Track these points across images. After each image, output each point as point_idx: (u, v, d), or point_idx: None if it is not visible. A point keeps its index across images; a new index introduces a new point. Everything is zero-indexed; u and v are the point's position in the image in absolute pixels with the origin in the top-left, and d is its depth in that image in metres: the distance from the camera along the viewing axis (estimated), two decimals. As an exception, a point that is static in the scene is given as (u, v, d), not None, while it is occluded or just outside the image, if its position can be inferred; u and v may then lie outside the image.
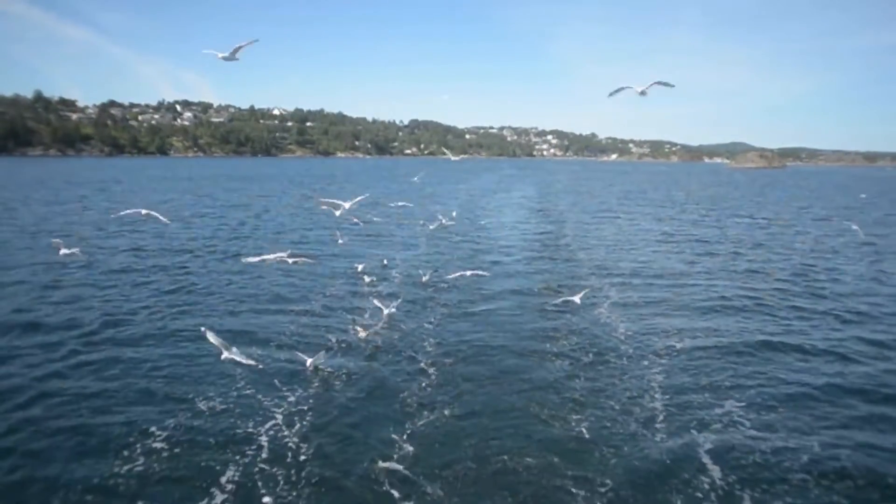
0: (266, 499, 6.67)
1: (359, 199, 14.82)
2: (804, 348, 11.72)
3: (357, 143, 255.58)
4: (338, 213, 14.89)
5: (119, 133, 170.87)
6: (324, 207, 16.08)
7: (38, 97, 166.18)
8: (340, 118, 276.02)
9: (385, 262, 19.15)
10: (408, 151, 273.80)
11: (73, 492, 6.67)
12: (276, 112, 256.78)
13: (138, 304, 13.91)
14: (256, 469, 7.19)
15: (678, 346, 11.73)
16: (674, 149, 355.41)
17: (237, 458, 7.41)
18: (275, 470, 7.18)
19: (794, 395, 9.51)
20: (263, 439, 7.85)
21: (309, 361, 9.94)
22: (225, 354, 7.47)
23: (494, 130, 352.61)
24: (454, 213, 31.44)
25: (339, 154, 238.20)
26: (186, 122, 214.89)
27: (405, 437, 8.02)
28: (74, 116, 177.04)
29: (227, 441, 7.78)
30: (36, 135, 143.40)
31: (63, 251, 14.31)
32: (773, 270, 19.51)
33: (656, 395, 9.42)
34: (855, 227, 25.93)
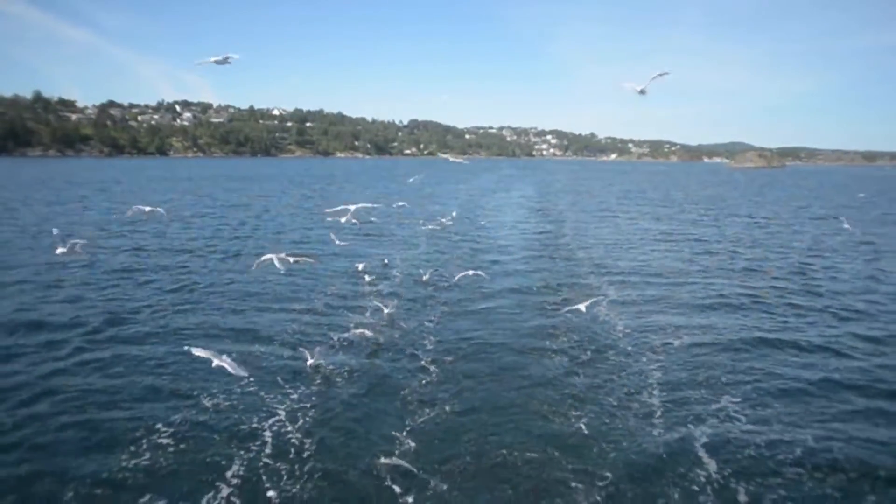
0: (270, 493, 6.79)
1: (362, 205, 15.31)
2: (800, 344, 11.87)
3: (356, 143, 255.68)
4: (343, 220, 15.47)
5: (118, 133, 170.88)
6: (329, 219, 16.53)
7: (38, 97, 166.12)
8: (340, 118, 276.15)
9: (385, 261, 19.28)
10: (407, 152, 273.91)
11: (83, 485, 6.80)
12: (275, 112, 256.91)
13: (141, 303, 14.03)
14: (261, 464, 7.31)
15: (676, 343, 11.87)
16: (673, 148, 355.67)
17: (242, 452, 7.53)
18: (278, 465, 7.31)
19: (788, 390, 9.65)
20: (267, 435, 7.98)
21: (311, 359, 10.07)
22: (216, 363, 7.63)
23: (494, 130, 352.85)
24: (454, 213, 31.62)
25: (339, 154, 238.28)
26: (186, 123, 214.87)
27: (406, 432, 8.14)
28: (74, 117, 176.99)
29: (231, 437, 7.90)
30: (35, 135, 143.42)
31: (60, 250, 14.36)
32: (771, 269, 19.64)
33: (654, 391, 9.55)
34: (847, 225, 26.07)
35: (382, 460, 7.38)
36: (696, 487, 7.01)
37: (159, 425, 8.10)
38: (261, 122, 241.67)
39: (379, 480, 7.06)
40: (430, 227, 27.43)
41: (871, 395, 9.53)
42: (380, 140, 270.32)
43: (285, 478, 7.06)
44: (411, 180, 53.35)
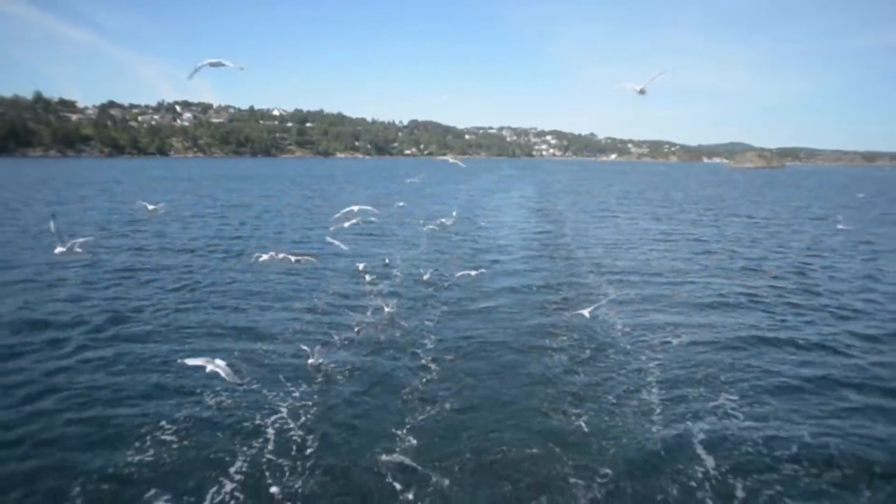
0: (273, 489, 6.88)
1: (365, 207, 16.12)
2: (797, 343, 11.98)
3: (357, 143, 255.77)
4: (347, 224, 16.34)
5: (119, 134, 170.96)
6: (335, 221, 17.30)
7: (38, 98, 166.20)
8: (340, 119, 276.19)
9: (386, 260, 19.37)
10: (407, 152, 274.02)
11: (90, 481, 6.89)
12: (275, 112, 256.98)
13: (144, 302, 14.12)
14: (263, 460, 7.41)
15: (674, 341, 11.96)
16: (673, 149, 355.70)
17: (245, 449, 7.63)
18: (281, 461, 7.40)
19: (785, 388, 9.75)
20: (270, 432, 8.07)
21: (312, 357, 10.17)
22: (209, 368, 7.75)
23: (494, 131, 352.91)
24: (454, 213, 31.64)
25: (339, 154, 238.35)
26: (186, 123, 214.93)
27: (407, 430, 8.23)
28: (74, 117, 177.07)
29: (234, 433, 8.00)
30: (36, 135, 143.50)
31: (59, 249, 14.37)
32: (770, 269, 19.73)
33: (653, 389, 9.64)
34: (841, 225, 26.17)
35: (384, 457, 7.48)
36: (693, 483, 7.09)
37: (163, 422, 8.19)
38: (261, 122, 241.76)
39: (380, 477, 7.15)
40: (431, 226, 27.50)
41: (867, 392, 9.64)
42: (380, 140, 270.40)
43: (288, 474, 7.15)
44: (409, 181, 53.43)
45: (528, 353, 11.37)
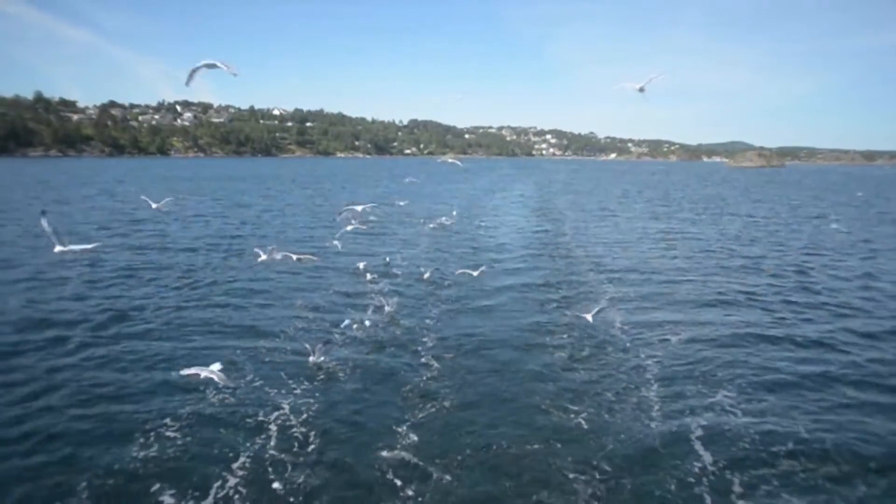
0: (276, 484, 6.96)
1: (370, 204, 17.07)
2: (794, 339, 12.07)
3: (357, 143, 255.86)
4: (349, 223, 17.72)
5: (119, 133, 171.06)
6: (339, 218, 18.44)
7: (39, 98, 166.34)
8: (340, 118, 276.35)
9: (387, 259, 19.45)
10: (407, 151, 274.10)
11: (95, 476, 6.98)
12: (276, 112, 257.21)
13: (146, 300, 14.20)
14: (266, 456, 7.49)
15: (673, 339, 12.04)
16: (673, 148, 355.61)
17: (248, 444, 7.72)
18: (283, 457, 7.48)
19: (783, 384, 9.84)
20: (272, 428, 8.16)
21: (314, 355, 10.25)
22: (204, 375, 7.86)
23: (493, 130, 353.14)
24: (454, 212, 31.83)
25: (339, 154, 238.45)
26: (187, 123, 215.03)
27: (408, 426, 8.31)
28: (75, 117, 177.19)
29: (238, 429, 8.09)
30: (37, 135, 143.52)
31: (58, 248, 14.39)
32: (769, 267, 19.82)
33: (652, 386, 9.73)
34: (834, 225, 26.25)
35: (385, 453, 7.57)
36: (691, 479, 7.17)
37: (168, 419, 8.28)
38: (261, 122, 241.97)
39: (381, 472, 7.23)
40: (431, 226, 27.66)
41: (863, 388, 9.72)
42: (380, 140, 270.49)
43: (290, 469, 7.24)
44: (409, 180, 53.49)
45: (528, 350, 11.46)
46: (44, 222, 9.54)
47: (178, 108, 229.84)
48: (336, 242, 18.95)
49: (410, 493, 6.85)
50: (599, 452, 7.70)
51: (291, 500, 6.70)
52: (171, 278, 16.65)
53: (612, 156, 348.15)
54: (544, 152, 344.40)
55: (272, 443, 7.80)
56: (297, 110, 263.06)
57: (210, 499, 6.66)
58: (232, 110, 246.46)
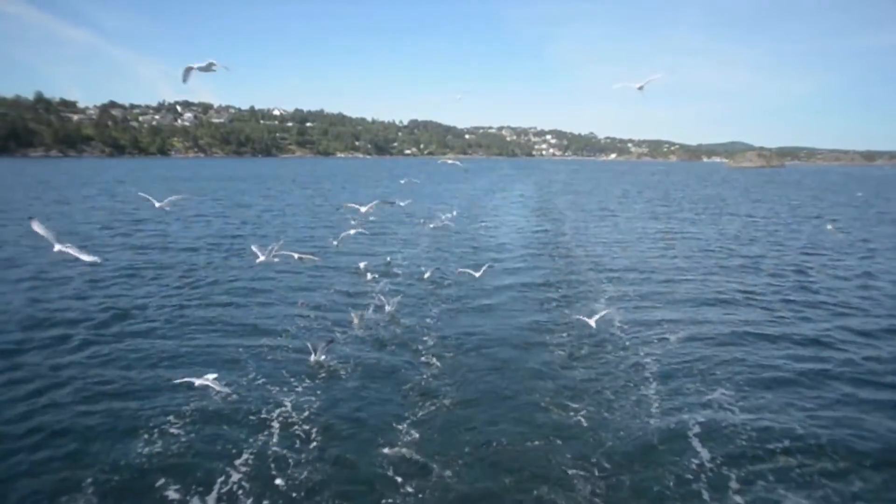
0: (278, 480, 7.04)
1: (374, 202, 17.63)
2: (792, 338, 12.16)
3: (357, 143, 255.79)
4: (353, 221, 18.76)
5: (120, 134, 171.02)
6: (349, 207, 18.87)
7: (39, 98, 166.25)
8: (340, 118, 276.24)
9: (388, 259, 19.53)
10: (407, 152, 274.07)
11: (101, 471, 7.06)
12: (276, 112, 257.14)
13: (148, 299, 14.29)
14: (269, 452, 7.57)
15: (672, 337, 12.13)
16: (672, 148, 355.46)
17: (251, 441, 7.80)
18: (286, 453, 7.56)
19: (780, 382, 9.93)
20: (275, 425, 8.24)
21: (315, 354, 10.32)
22: (198, 382, 7.96)
23: (493, 130, 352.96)
24: (454, 212, 31.94)
25: (339, 154, 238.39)
26: (187, 123, 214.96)
27: (409, 423, 8.39)
28: (75, 117, 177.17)
29: (240, 426, 8.17)
30: (37, 136, 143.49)
31: (57, 247, 14.45)
32: (768, 267, 19.90)
33: (651, 383, 9.81)
34: (829, 226, 26.33)
35: (386, 450, 7.65)
36: (690, 475, 7.25)
37: (171, 416, 8.36)
38: (261, 122, 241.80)
39: (383, 469, 7.31)
40: (432, 225, 27.74)
41: (860, 385, 9.81)
42: (380, 140, 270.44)
43: (292, 465, 7.32)
44: (410, 180, 53.58)
45: (528, 348, 11.54)
46: (34, 226, 9.50)
47: (179, 108, 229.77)
48: (336, 239, 19.05)
49: (411, 489, 6.92)
50: (598, 449, 7.77)
51: (294, 495, 6.78)
52: (172, 277, 16.74)
53: (612, 156, 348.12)
54: (544, 152, 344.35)
55: (274, 439, 7.88)
56: (297, 110, 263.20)
57: (214, 494, 6.74)
58: (232, 110, 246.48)
